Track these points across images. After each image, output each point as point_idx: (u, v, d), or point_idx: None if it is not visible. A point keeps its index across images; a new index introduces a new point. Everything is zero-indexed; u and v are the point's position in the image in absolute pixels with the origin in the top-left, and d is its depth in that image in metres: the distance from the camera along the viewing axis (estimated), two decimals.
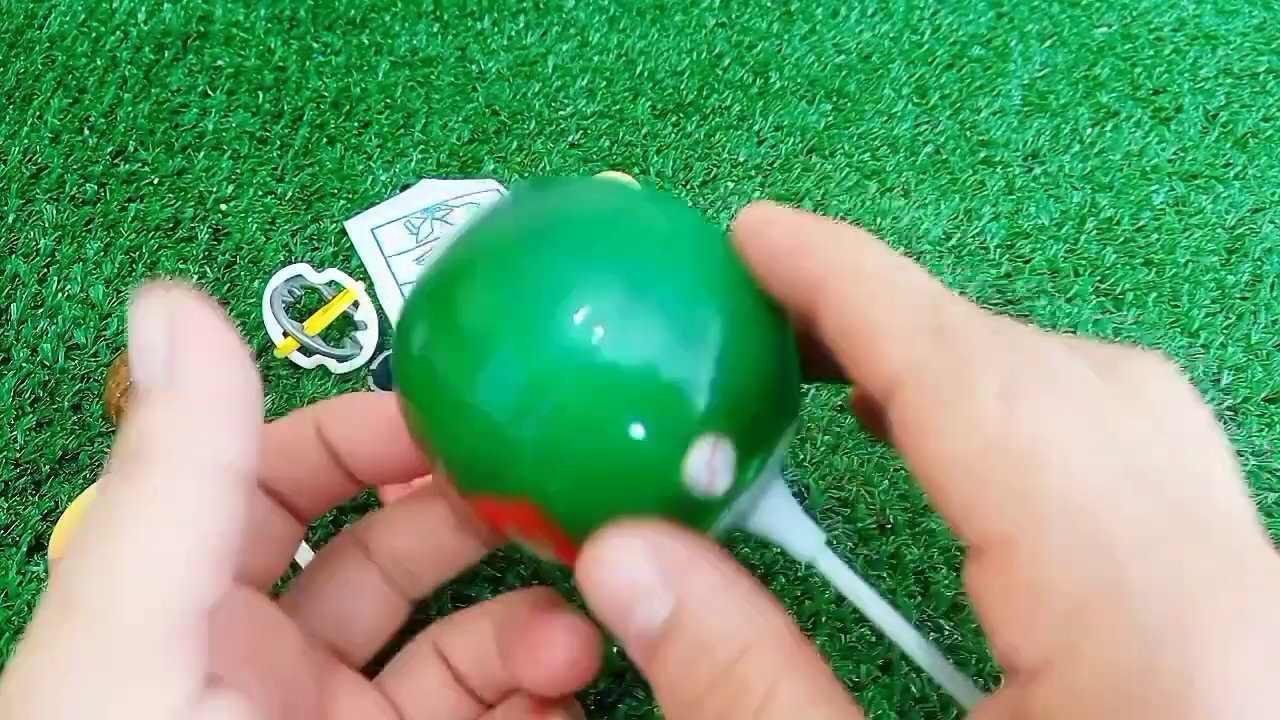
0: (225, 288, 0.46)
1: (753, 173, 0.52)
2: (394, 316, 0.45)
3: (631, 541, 0.19)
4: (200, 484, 0.17)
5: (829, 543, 0.21)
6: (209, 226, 0.48)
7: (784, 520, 0.21)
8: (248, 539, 0.17)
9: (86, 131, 0.52)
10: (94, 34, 0.57)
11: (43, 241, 0.47)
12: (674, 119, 0.54)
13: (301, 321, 0.42)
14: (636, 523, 0.19)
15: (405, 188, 0.50)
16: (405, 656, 0.26)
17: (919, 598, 0.37)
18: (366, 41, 0.57)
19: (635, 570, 0.19)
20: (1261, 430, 0.42)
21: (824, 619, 0.36)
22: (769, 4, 0.61)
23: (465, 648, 0.26)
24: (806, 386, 0.43)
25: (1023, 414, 0.15)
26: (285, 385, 0.43)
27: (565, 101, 0.55)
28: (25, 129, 0.52)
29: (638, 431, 0.18)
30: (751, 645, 0.18)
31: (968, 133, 0.54)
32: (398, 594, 0.26)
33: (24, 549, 0.37)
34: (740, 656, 0.18)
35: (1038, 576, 0.14)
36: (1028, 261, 0.48)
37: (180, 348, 0.17)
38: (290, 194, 0.50)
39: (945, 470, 0.16)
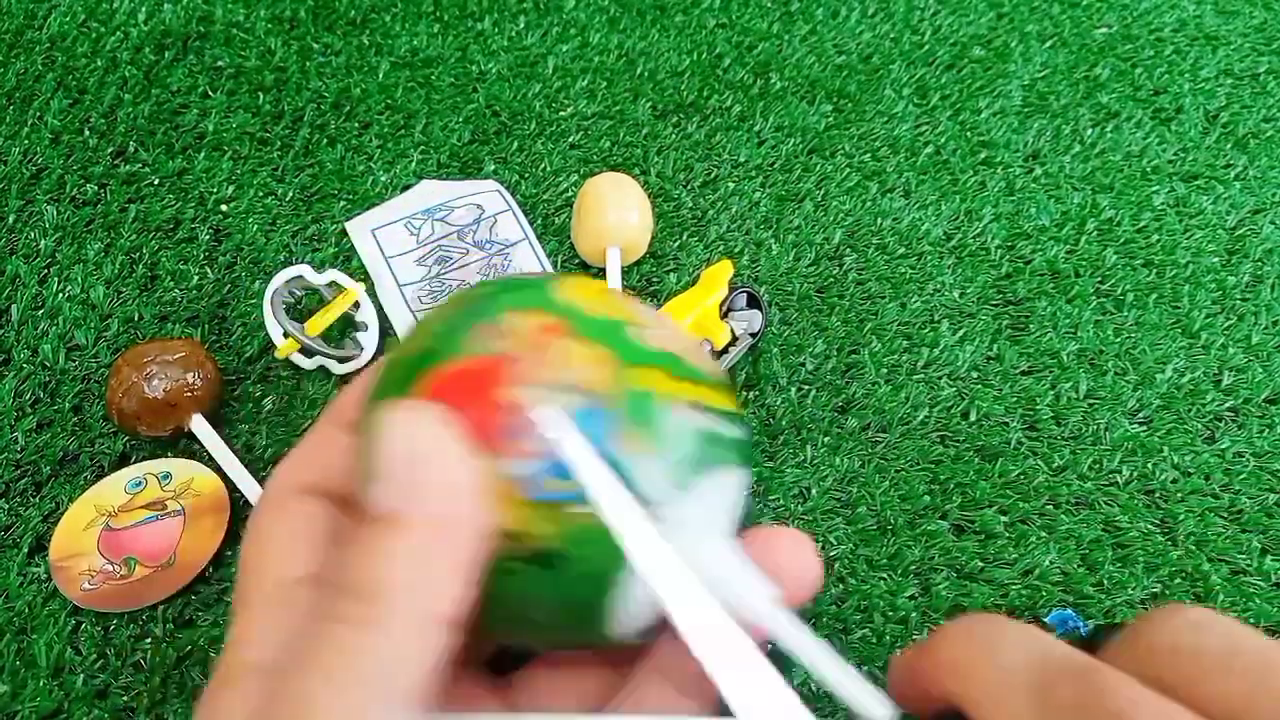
0: (226, 289, 0.46)
1: (753, 173, 0.52)
2: (394, 317, 0.45)
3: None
4: (423, 636, 0.18)
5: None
6: (209, 227, 0.48)
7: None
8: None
9: (87, 132, 0.52)
10: (94, 34, 0.57)
11: (43, 242, 0.47)
12: (674, 120, 0.54)
13: (302, 323, 0.42)
14: None
15: (406, 188, 0.50)
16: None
17: (919, 598, 0.37)
18: (366, 42, 0.57)
19: None
20: (1262, 431, 0.42)
21: (824, 620, 0.36)
22: (769, 5, 0.61)
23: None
24: (806, 387, 0.43)
25: None
26: (286, 386, 0.43)
27: (566, 102, 0.55)
28: (25, 130, 0.52)
29: None
30: None
31: (968, 133, 0.54)
32: None
33: (25, 550, 0.37)
34: None
35: None
36: (1028, 262, 0.48)
37: (422, 480, 0.18)
38: (291, 195, 0.50)
39: None
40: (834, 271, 0.47)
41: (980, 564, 0.38)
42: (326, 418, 0.24)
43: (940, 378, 0.44)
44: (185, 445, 0.41)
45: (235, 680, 0.19)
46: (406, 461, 0.18)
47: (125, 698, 0.34)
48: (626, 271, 0.47)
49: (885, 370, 0.44)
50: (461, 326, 0.20)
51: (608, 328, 0.21)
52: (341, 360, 0.42)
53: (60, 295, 0.45)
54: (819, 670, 0.19)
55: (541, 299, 0.21)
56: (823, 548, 0.38)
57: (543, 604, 0.20)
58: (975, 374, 0.44)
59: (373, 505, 0.18)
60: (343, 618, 0.18)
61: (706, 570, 0.20)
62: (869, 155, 0.53)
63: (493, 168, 0.51)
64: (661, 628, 0.23)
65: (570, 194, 0.50)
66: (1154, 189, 0.52)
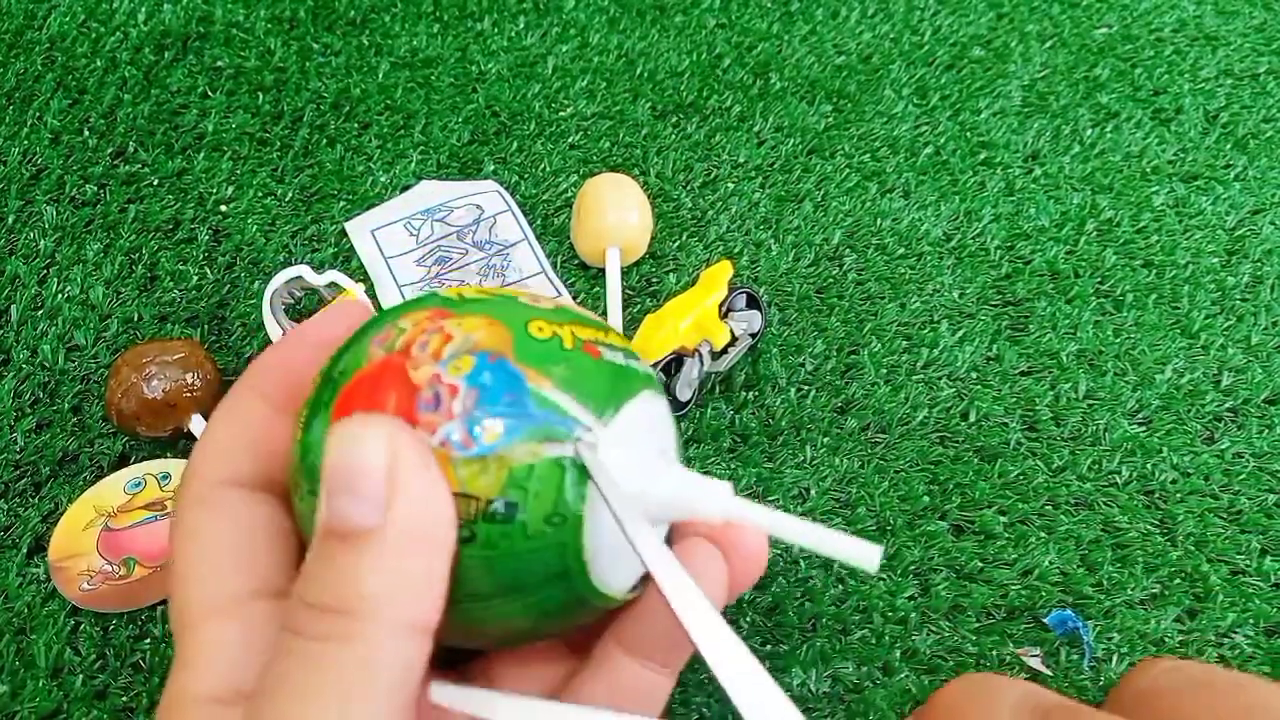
0: (225, 289, 0.46)
1: (753, 174, 0.52)
2: None
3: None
4: (405, 646, 0.18)
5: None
6: (209, 228, 0.48)
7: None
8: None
9: (86, 133, 0.52)
10: (94, 35, 0.57)
11: (42, 243, 0.47)
12: (674, 120, 0.54)
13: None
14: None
15: (405, 189, 0.50)
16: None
17: (918, 598, 0.37)
18: (366, 42, 0.57)
19: None
20: (1261, 432, 0.42)
21: (824, 620, 0.36)
22: (769, 5, 0.61)
23: None
24: (805, 387, 0.43)
25: None
26: None
27: (565, 102, 0.55)
28: (25, 130, 0.52)
29: None
30: None
31: (968, 134, 0.54)
32: None
33: (24, 550, 0.37)
34: None
35: None
36: (1028, 263, 0.48)
37: (399, 492, 0.18)
38: (290, 195, 0.50)
39: None
40: (833, 272, 0.47)
41: (980, 564, 0.38)
42: (246, 384, 0.23)
43: (940, 378, 0.44)
44: (184, 445, 0.41)
45: (189, 714, 0.19)
46: (371, 476, 0.18)
47: (124, 698, 0.34)
48: (626, 272, 0.47)
49: (885, 371, 0.44)
50: (364, 341, 0.22)
51: (493, 301, 0.22)
52: None
53: (59, 295, 0.45)
54: (803, 539, 0.20)
55: (428, 301, 0.22)
56: None
57: (511, 564, 0.20)
58: (975, 374, 0.44)
59: (338, 521, 0.18)
60: (326, 636, 0.18)
61: (658, 485, 0.21)
62: (869, 155, 0.53)
63: (492, 168, 0.51)
64: (643, 582, 0.23)
65: (570, 194, 0.50)
66: (1154, 189, 0.52)
